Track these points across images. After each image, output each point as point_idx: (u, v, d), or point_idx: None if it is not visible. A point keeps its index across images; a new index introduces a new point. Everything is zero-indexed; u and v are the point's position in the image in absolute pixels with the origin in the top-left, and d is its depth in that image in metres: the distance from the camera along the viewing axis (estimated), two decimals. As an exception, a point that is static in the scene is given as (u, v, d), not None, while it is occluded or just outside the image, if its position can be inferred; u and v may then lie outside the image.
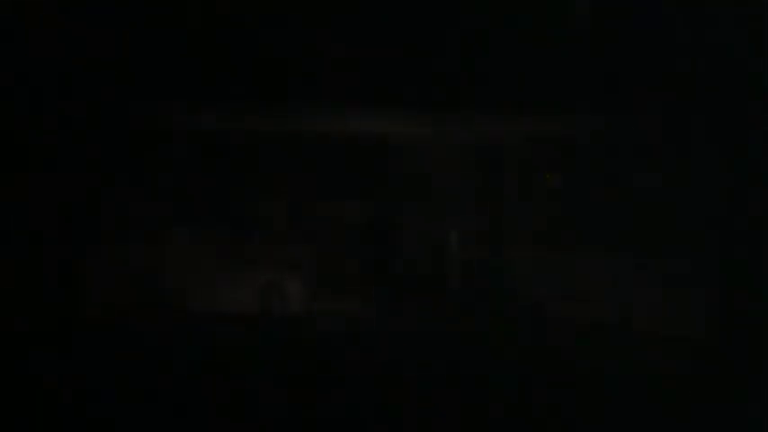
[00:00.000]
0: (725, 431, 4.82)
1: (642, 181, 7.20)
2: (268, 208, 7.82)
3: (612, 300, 7.08)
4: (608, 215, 7.29)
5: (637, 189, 7.22)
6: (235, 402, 5.11)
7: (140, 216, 7.47)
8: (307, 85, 6.84)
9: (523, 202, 7.83)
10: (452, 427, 4.95)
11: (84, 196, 7.21)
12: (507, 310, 7.35)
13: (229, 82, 6.86)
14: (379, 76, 6.89)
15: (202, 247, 7.56)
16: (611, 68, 6.87)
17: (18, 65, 6.68)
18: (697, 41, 6.75)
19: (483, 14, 6.85)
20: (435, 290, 7.65)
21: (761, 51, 6.64)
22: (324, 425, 4.95)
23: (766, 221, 6.56)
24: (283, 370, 5.89)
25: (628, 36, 6.84)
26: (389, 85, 6.88)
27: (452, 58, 6.94)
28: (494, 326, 7.08)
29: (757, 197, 6.58)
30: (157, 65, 6.81)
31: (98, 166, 7.29)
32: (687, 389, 5.47)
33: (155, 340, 6.46)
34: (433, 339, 6.56)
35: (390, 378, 5.77)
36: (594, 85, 6.90)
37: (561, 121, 7.29)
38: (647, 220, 7.06)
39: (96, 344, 6.23)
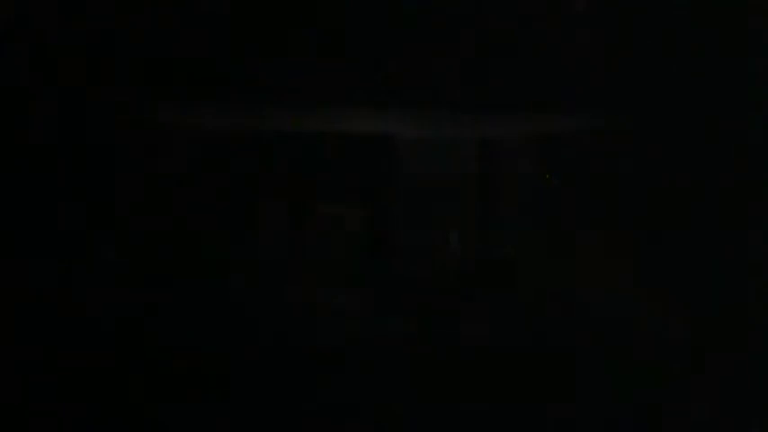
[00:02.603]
0: None
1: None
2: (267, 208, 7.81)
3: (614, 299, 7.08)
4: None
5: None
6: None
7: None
8: (306, 84, 6.83)
9: (524, 201, 7.82)
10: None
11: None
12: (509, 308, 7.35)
13: (227, 81, 6.85)
14: (379, 76, 6.88)
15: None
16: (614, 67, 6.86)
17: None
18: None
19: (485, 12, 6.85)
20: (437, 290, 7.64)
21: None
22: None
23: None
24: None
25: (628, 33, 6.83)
26: (389, 85, 6.86)
27: (451, 56, 6.93)
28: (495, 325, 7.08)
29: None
30: (154, 63, 6.79)
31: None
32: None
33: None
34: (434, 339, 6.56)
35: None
36: (597, 84, 6.89)
37: (565, 120, 7.27)
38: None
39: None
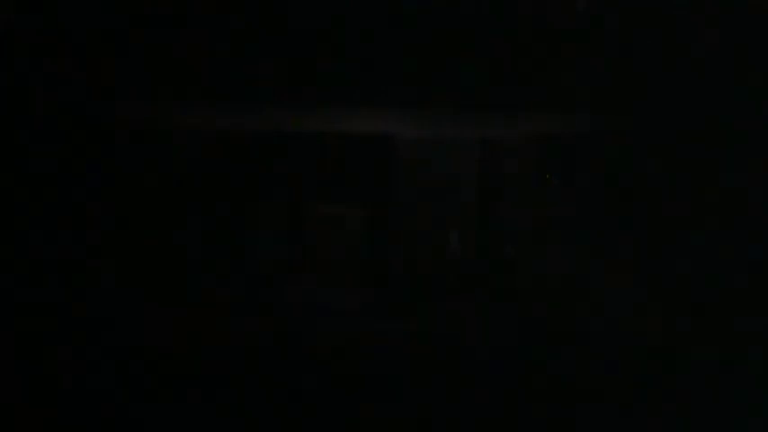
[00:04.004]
0: None
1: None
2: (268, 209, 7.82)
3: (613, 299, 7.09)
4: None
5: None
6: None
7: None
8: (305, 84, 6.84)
9: (524, 202, 7.82)
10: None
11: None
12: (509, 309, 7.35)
13: (228, 81, 6.85)
14: (379, 75, 6.88)
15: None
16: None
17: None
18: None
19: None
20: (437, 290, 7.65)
21: None
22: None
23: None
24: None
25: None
26: (389, 85, 6.87)
27: (450, 56, 6.94)
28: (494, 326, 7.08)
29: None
30: (150, 63, 6.80)
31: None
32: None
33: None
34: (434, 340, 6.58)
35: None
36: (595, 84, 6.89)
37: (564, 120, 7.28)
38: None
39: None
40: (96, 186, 7.33)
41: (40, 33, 6.73)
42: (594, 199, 7.49)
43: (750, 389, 5.62)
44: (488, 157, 7.88)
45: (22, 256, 6.97)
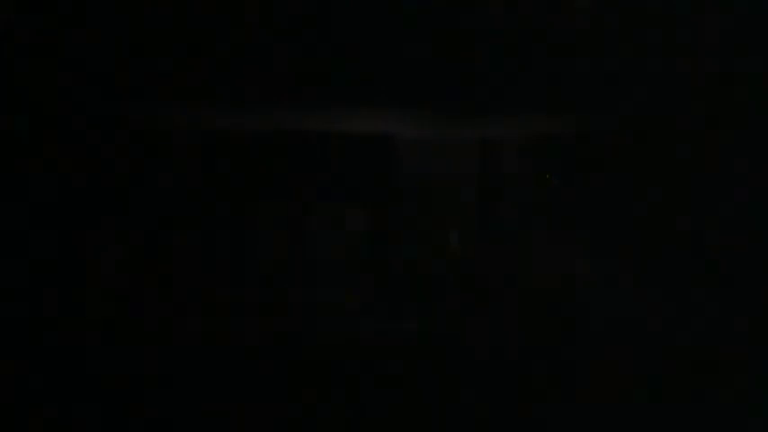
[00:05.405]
0: None
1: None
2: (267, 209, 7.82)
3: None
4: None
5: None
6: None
7: None
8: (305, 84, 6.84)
9: (524, 202, 7.83)
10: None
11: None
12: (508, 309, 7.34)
13: (227, 81, 6.85)
14: (379, 75, 6.88)
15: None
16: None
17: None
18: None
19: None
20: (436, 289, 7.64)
21: None
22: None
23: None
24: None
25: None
26: (389, 85, 6.87)
27: (450, 56, 6.94)
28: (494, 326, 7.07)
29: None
30: (150, 63, 6.80)
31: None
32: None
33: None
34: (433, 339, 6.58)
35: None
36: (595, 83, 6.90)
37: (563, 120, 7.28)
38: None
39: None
40: (95, 186, 7.33)
41: (40, 33, 6.74)
42: (594, 199, 7.49)
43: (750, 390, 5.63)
44: (488, 157, 7.88)
45: (21, 257, 6.97)
